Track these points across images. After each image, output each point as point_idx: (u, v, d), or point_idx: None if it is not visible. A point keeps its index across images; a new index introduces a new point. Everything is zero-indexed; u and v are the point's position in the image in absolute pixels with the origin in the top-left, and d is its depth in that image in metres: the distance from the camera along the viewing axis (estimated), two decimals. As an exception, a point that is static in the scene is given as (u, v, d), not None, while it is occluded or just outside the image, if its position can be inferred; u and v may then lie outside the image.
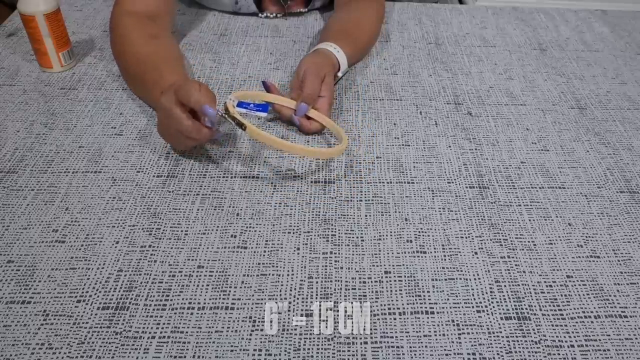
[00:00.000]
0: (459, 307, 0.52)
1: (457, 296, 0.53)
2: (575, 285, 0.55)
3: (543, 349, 0.49)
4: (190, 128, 0.59)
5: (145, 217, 0.60)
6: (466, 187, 0.66)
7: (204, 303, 0.52)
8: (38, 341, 0.48)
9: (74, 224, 0.59)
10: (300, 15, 1.01)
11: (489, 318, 0.52)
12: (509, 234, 0.60)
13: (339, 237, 0.59)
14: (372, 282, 0.54)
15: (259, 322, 0.50)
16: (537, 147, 0.73)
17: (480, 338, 0.50)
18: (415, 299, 0.53)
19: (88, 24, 0.95)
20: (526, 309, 0.53)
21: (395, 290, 0.54)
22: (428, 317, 0.51)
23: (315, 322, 0.50)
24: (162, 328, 0.49)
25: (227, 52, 0.89)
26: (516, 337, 0.50)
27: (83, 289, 0.52)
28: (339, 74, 0.78)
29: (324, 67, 0.74)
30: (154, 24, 0.77)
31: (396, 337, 0.50)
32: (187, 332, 0.49)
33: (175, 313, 0.51)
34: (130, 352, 0.47)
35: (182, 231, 0.59)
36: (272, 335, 0.49)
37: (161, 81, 0.66)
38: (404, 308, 0.52)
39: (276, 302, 0.52)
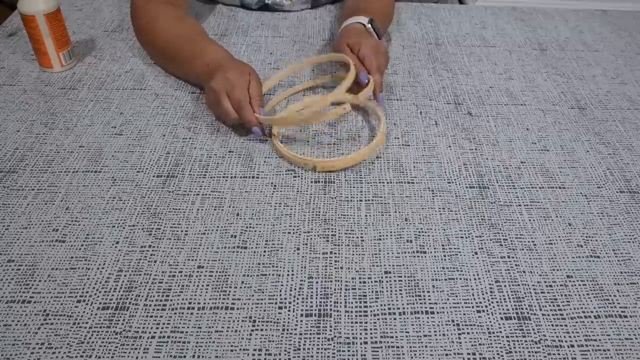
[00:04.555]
0: (459, 307, 0.52)
1: (457, 296, 0.53)
2: (575, 285, 0.55)
3: (543, 349, 0.49)
4: (246, 117, 0.67)
5: (145, 217, 0.60)
6: (466, 187, 0.66)
7: (204, 303, 0.52)
8: (38, 341, 0.48)
9: (74, 223, 0.59)
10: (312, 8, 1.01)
11: (489, 318, 0.52)
12: (509, 234, 0.60)
13: (339, 237, 0.59)
14: (372, 282, 0.54)
15: (259, 322, 0.50)
16: (537, 147, 0.73)
17: (480, 338, 0.50)
18: (415, 299, 0.53)
19: (88, 24, 0.95)
20: (526, 309, 0.53)
21: (395, 290, 0.54)
22: (428, 317, 0.51)
23: (315, 322, 0.51)
24: (162, 328, 0.49)
25: (227, 52, 0.89)
26: (516, 337, 0.50)
27: (83, 289, 0.52)
28: (368, 26, 0.80)
29: (344, 37, 0.77)
30: (174, 7, 0.82)
31: (396, 337, 0.50)
32: (187, 332, 0.49)
33: (175, 313, 0.51)
34: (130, 352, 0.47)
35: (182, 231, 0.59)
36: (272, 335, 0.49)
37: (204, 54, 0.74)
38: (404, 308, 0.52)
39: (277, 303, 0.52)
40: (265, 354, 0.48)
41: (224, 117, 0.70)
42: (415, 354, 0.48)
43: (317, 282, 0.54)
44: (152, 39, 0.81)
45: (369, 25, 0.80)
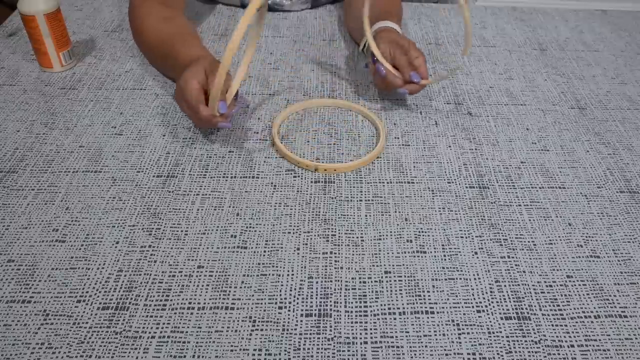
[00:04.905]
0: (459, 307, 0.52)
1: (457, 296, 0.53)
2: (575, 285, 0.55)
3: (543, 349, 0.49)
4: (204, 118, 0.63)
5: (145, 217, 0.60)
6: (466, 187, 0.66)
7: (204, 303, 0.52)
8: (38, 341, 0.48)
9: (74, 223, 0.59)
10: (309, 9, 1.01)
11: (489, 318, 0.52)
12: (509, 234, 0.60)
13: (339, 237, 0.59)
14: (372, 282, 0.54)
15: (259, 322, 0.50)
16: (537, 147, 0.73)
17: (480, 338, 0.50)
18: (415, 299, 0.53)
19: (88, 24, 0.95)
20: (526, 309, 0.53)
21: (395, 290, 0.54)
22: (428, 317, 0.51)
23: (315, 322, 0.51)
24: (162, 328, 0.49)
25: (227, 52, 0.89)
26: (516, 337, 0.50)
27: (83, 289, 0.52)
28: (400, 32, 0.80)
29: (399, 39, 0.75)
30: (168, 8, 0.82)
31: (396, 337, 0.50)
32: (187, 332, 0.49)
33: (175, 313, 0.51)
34: (130, 352, 0.47)
35: (182, 231, 0.59)
36: (272, 335, 0.49)
37: (180, 55, 0.73)
38: (404, 308, 0.52)
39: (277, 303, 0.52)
40: (265, 354, 0.48)
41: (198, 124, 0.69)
42: (415, 354, 0.48)
43: (317, 282, 0.54)
44: (144, 39, 0.81)
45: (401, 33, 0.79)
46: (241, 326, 0.50)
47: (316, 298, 0.53)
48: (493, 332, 0.50)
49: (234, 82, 0.68)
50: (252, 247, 0.57)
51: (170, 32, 0.78)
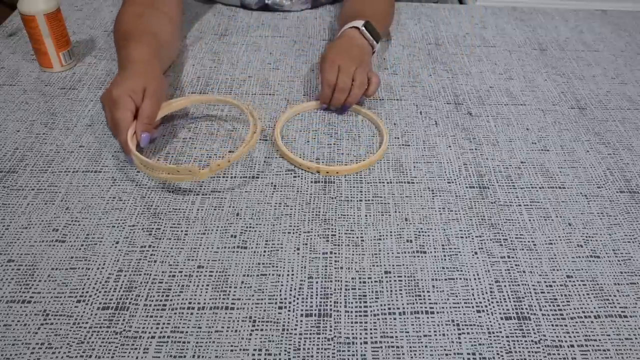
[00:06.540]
0: (459, 307, 0.52)
1: (457, 296, 0.53)
2: (575, 285, 0.55)
3: (543, 349, 0.49)
4: (122, 142, 0.62)
5: (145, 217, 0.60)
6: (466, 187, 0.66)
7: (204, 303, 0.52)
8: (38, 341, 0.48)
9: (74, 223, 0.59)
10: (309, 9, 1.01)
11: (489, 318, 0.52)
12: (509, 234, 0.60)
13: (339, 237, 0.59)
14: (372, 282, 0.54)
15: (259, 322, 0.50)
16: (537, 147, 0.73)
17: (480, 338, 0.50)
18: (415, 299, 0.53)
19: (88, 24, 0.95)
20: (526, 309, 0.53)
21: (395, 290, 0.54)
22: (428, 317, 0.51)
23: (315, 322, 0.51)
24: (162, 328, 0.49)
25: (227, 52, 0.89)
26: (516, 337, 0.50)
27: (83, 289, 0.52)
28: (362, 29, 0.79)
29: (337, 58, 0.75)
30: (148, 8, 0.77)
31: (396, 337, 0.50)
32: (187, 332, 0.49)
33: (175, 313, 0.51)
34: (130, 352, 0.47)
35: (182, 231, 0.59)
36: (272, 335, 0.49)
37: (124, 50, 0.70)
38: (404, 308, 0.52)
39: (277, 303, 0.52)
40: (265, 354, 0.48)
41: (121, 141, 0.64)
42: (415, 354, 0.48)
43: (317, 282, 0.54)
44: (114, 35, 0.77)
45: (363, 28, 0.79)
46: (241, 326, 0.50)
47: (316, 298, 0.53)
48: (493, 332, 0.50)
49: (160, 112, 0.67)
50: (252, 247, 0.57)
51: (132, 27, 0.74)
